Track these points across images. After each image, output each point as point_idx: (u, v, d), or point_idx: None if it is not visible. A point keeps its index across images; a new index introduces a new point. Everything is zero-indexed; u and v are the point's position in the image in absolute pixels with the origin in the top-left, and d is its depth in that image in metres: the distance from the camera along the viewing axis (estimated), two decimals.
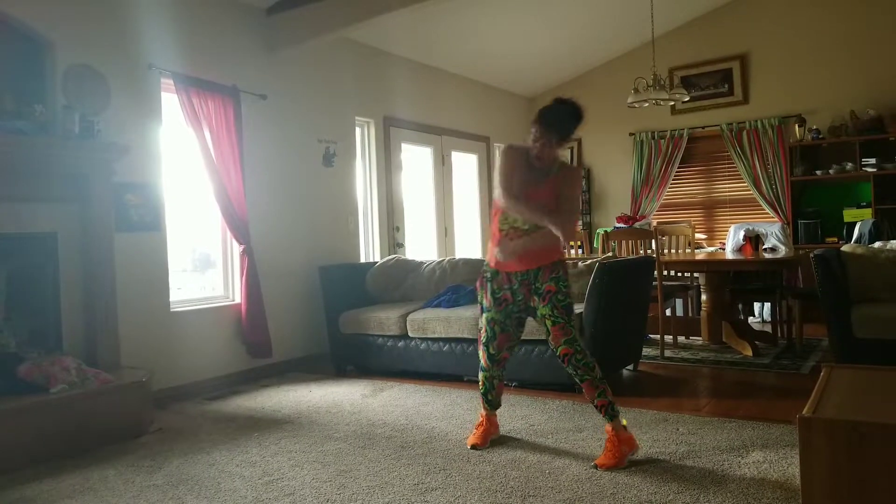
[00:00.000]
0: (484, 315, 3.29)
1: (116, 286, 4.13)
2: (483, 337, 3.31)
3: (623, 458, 2.96)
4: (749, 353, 5.14)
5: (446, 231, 7.30)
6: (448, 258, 5.61)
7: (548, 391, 4.20)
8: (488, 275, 3.25)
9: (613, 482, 2.77)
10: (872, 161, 6.54)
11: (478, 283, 3.35)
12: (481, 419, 3.39)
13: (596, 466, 2.94)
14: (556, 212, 3.04)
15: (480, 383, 3.39)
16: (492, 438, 3.34)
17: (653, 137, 7.83)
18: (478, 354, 3.39)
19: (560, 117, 3.01)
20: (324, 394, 4.50)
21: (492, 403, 3.39)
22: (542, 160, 3.09)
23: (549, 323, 3.13)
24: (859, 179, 6.75)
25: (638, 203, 7.89)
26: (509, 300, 3.21)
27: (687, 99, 6.48)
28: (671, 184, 7.82)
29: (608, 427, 3.04)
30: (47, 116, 3.81)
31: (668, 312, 5.69)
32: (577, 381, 3.14)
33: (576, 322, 3.18)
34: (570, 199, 3.11)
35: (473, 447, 3.26)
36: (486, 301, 3.26)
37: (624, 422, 3.09)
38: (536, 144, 3.05)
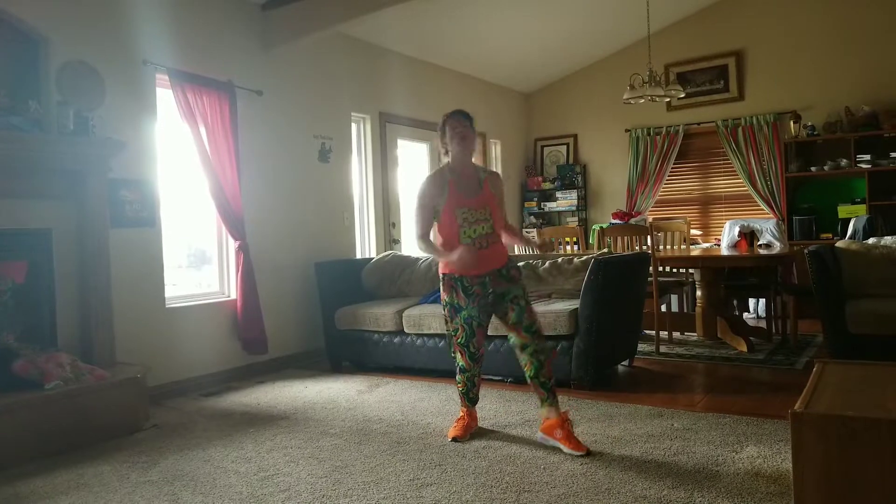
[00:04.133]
0: (459, 315, 3.32)
1: (111, 282, 4.12)
2: (461, 338, 3.35)
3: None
4: (744, 348, 5.16)
5: None
6: None
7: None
8: (455, 275, 3.30)
9: (608, 477, 2.78)
10: (867, 157, 6.56)
11: (443, 289, 3.36)
12: (462, 414, 3.47)
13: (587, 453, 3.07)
14: (502, 224, 3.38)
15: (461, 384, 3.45)
16: (472, 432, 3.42)
17: (648, 134, 7.84)
18: (454, 358, 3.43)
19: (453, 114, 3.42)
20: (319, 390, 4.50)
21: (472, 401, 3.48)
22: (465, 152, 3.34)
23: (523, 302, 3.28)
24: (854, 176, 6.76)
25: (634, 199, 7.90)
26: (480, 294, 3.30)
27: (683, 95, 6.49)
28: (667, 180, 7.84)
29: (563, 413, 3.20)
30: (42, 112, 3.80)
31: (663, 308, 5.70)
32: (541, 358, 3.25)
33: None
34: (503, 206, 3.44)
35: (454, 440, 3.33)
36: (460, 300, 3.30)
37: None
38: (451, 145, 3.34)
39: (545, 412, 3.25)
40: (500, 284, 3.30)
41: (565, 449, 3.09)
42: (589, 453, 3.05)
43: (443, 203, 3.28)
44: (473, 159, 3.47)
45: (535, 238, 3.63)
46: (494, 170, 3.15)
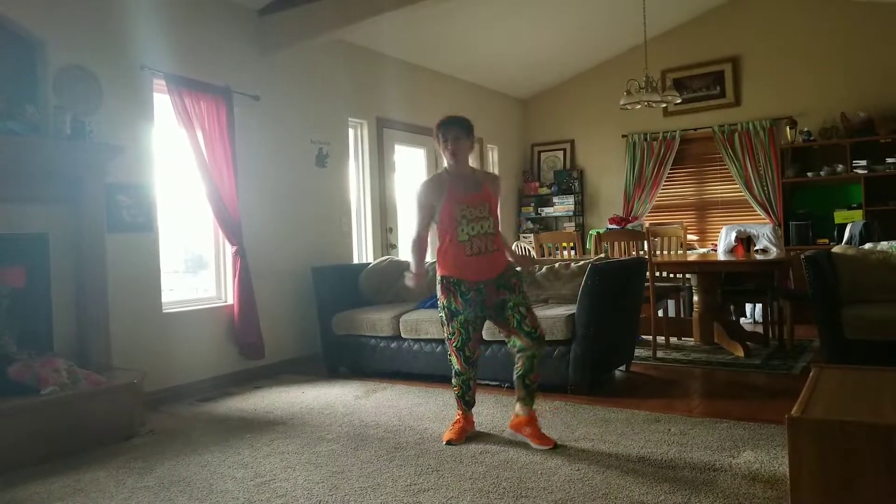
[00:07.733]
0: (456, 319, 3.37)
1: (108, 287, 4.12)
2: (457, 342, 3.39)
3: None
4: (740, 353, 5.16)
5: None
6: None
7: (539, 392, 4.20)
8: (453, 280, 3.34)
9: (605, 482, 2.78)
10: (863, 163, 6.58)
11: (441, 292, 3.39)
12: (458, 417, 3.50)
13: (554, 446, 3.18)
14: (497, 233, 3.38)
15: (457, 388, 3.49)
16: (468, 435, 3.44)
17: (645, 139, 7.86)
18: (450, 361, 3.48)
19: (444, 124, 3.43)
20: (316, 395, 4.49)
21: (469, 404, 3.51)
22: (458, 158, 3.38)
23: (523, 309, 3.31)
24: (850, 181, 6.78)
25: (630, 204, 7.92)
26: (475, 299, 3.34)
27: (679, 101, 6.50)
28: (663, 185, 7.85)
29: (532, 412, 3.33)
30: (39, 117, 3.80)
31: (660, 313, 5.71)
32: (535, 362, 3.31)
33: None
34: (497, 213, 3.42)
35: (449, 443, 3.35)
36: (457, 304, 3.34)
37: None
38: (447, 150, 3.38)
39: (518, 409, 3.37)
40: (498, 293, 3.33)
41: (533, 444, 3.22)
42: (556, 446, 3.18)
43: (442, 201, 3.31)
44: (471, 163, 3.51)
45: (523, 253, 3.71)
46: (493, 172, 3.13)
